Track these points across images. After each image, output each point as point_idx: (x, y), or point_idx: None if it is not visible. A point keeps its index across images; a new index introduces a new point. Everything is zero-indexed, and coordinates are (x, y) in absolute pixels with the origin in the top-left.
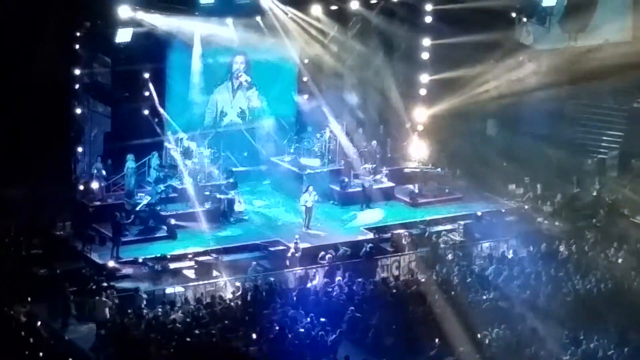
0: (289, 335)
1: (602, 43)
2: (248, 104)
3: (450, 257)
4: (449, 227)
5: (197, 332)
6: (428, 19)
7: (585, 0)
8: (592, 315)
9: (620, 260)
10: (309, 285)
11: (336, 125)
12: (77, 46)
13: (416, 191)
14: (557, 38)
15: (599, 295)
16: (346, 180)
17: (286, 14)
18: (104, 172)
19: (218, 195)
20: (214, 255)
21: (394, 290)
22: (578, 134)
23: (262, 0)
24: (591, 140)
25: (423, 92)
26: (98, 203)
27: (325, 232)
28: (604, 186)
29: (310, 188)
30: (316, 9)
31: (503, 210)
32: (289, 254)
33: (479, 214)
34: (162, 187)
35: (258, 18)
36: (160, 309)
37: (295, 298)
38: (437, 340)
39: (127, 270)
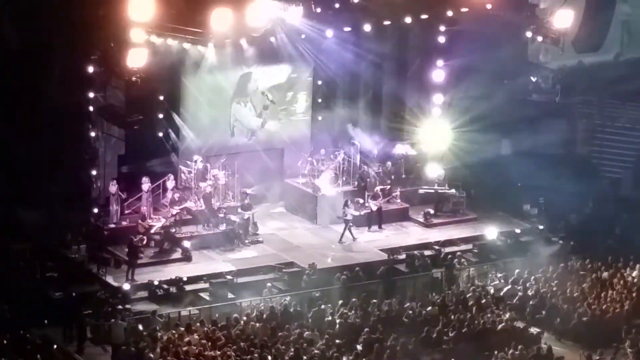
0: (305, 357)
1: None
2: (264, 124)
3: (465, 277)
4: (463, 247)
5: (212, 354)
6: (441, 40)
7: (598, 21)
8: (607, 334)
9: (636, 280)
10: (323, 306)
11: (350, 146)
12: (91, 69)
13: (431, 212)
14: (570, 57)
15: (614, 314)
16: (360, 201)
17: (300, 35)
18: (118, 195)
19: (232, 217)
20: (229, 277)
21: (409, 312)
22: (593, 154)
23: (276, 22)
24: (606, 160)
25: (437, 112)
26: (113, 226)
27: (340, 253)
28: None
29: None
30: (329, 32)
31: (518, 231)
32: (304, 276)
33: (493, 234)
34: (177, 209)
35: (272, 39)
36: (175, 332)
37: (310, 319)
38: None
39: (142, 292)
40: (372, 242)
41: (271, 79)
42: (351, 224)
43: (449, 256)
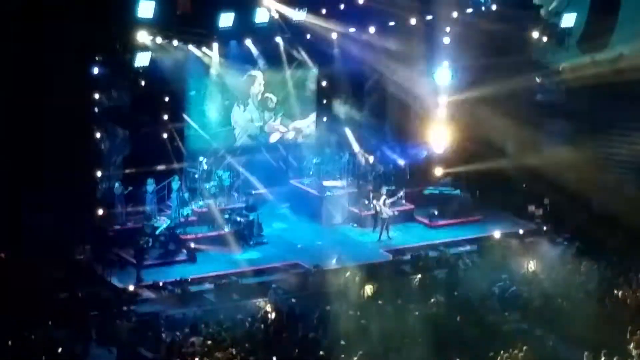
0: (309, 358)
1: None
2: (269, 124)
3: (470, 278)
4: (468, 248)
5: (217, 355)
6: (446, 41)
7: (604, 21)
8: (613, 335)
9: None
10: (328, 307)
11: (356, 147)
12: (97, 70)
13: (435, 213)
14: (575, 58)
15: (619, 315)
16: (366, 202)
17: (305, 36)
18: (123, 196)
19: (237, 218)
20: (234, 278)
21: (416, 312)
22: (599, 154)
23: (281, 23)
24: (611, 161)
25: (442, 113)
26: (118, 227)
27: (345, 254)
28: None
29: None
30: (334, 33)
31: (521, 232)
32: (309, 277)
33: (498, 235)
34: (186, 211)
35: (278, 38)
36: (179, 333)
37: (315, 321)
38: None
39: (147, 294)
40: (377, 243)
41: (276, 80)
42: (387, 223)
43: (454, 257)
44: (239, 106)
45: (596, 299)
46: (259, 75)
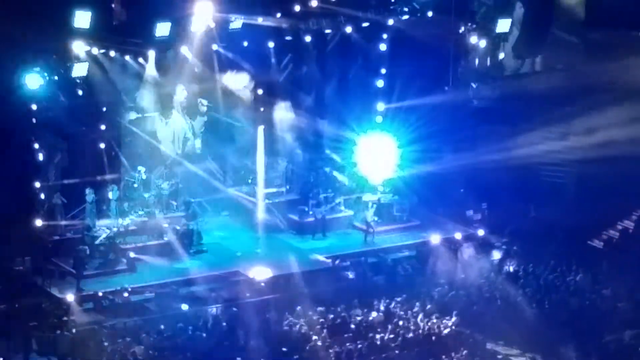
0: None
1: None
2: (204, 133)
3: (408, 283)
4: (407, 253)
5: None
6: (383, 47)
7: (538, 27)
8: (552, 338)
9: (578, 284)
10: (268, 315)
11: (293, 154)
12: (34, 81)
13: (375, 219)
14: (510, 64)
15: (558, 318)
16: (305, 209)
17: (242, 43)
18: (62, 207)
19: (177, 227)
20: (174, 287)
21: (356, 318)
22: (535, 159)
23: (217, 31)
24: (548, 165)
25: (379, 119)
26: (57, 237)
27: (284, 261)
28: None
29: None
30: (271, 42)
31: (459, 237)
32: (249, 285)
33: (436, 240)
34: (126, 220)
35: (215, 46)
36: (121, 342)
37: (255, 328)
38: None
39: (87, 304)
40: (316, 250)
41: (212, 87)
42: (371, 229)
43: (393, 262)
44: (163, 118)
45: (535, 302)
46: (192, 84)
